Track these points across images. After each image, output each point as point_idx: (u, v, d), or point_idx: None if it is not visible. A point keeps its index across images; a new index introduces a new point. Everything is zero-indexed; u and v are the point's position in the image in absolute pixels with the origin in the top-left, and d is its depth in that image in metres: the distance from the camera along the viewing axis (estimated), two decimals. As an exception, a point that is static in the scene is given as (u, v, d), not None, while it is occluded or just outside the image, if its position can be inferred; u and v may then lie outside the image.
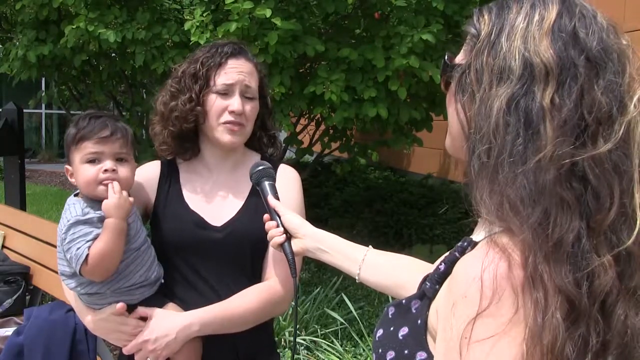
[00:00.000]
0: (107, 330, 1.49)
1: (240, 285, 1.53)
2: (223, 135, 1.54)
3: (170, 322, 1.45)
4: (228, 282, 1.54)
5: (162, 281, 1.56)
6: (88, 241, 1.39)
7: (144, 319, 1.47)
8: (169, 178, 1.62)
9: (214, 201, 1.59)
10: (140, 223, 1.52)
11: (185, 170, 1.64)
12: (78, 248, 1.38)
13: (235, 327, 1.50)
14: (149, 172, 1.64)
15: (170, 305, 1.51)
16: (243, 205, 1.58)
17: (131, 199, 1.46)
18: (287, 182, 1.60)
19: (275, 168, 1.60)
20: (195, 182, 1.62)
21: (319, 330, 3.68)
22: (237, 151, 1.61)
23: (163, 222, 1.58)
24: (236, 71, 1.55)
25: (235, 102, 1.53)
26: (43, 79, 9.13)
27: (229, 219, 1.56)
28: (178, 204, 1.58)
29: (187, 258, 1.55)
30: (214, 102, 1.53)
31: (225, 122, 1.53)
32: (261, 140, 1.66)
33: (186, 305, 1.51)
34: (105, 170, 1.44)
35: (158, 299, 1.51)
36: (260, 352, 1.60)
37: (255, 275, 1.57)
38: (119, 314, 1.46)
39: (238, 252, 1.55)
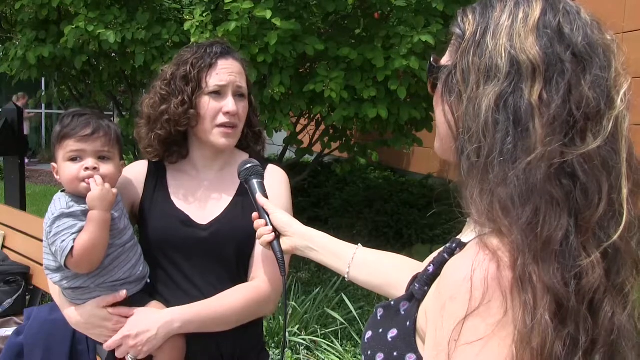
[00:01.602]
0: (88, 326, 1.49)
1: (225, 285, 1.53)
2: (218, 138, 1.54)
3: (151, 318, 1.45)
4: (212, 281, 1.54)
5: (149, 280, 1.56)
6: (73, 234, 1.40)
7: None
8: (156, 176, 1.62)
9: (201, 200, 1.59)
10: (128, 221, 1.53)
11: (173, 169, 1.64)
12: (63, 241, 1.40)
13: (218, 327, 1.49)
14: (136, 171, 1.64)
15: (154, 303, 1.52)
16: (230, 204, 1.58)
17: (114, 190, 1.46)
18: (275, 183, 1.59)
19: (264, 167, 1.60)
20: (182, 181, 1.62)
21: (319, 330, 3.68)
22: (225, 152, 1.61)
23: (149, 219, 1.58)
24: (227, 72, 1.55)
25: (229, 103, 1.53)
26: (43, 79, 9.12)
27: (214, 217, 1.56)
28: (164, 202, 1.59)
29: (172, 256, 1.55)
30: (208, 104, 1.53)
31: (220, 125, 1.53)
32: (248, 137, 1.66)
33: (170, 304, 1.51)
34: (87, 169, 1.45)
35: (142, 297, 1.52)
36: (248, 352, 1.60)
37: (240, 275, 1.57)
38: (106, 305, 1.47)
39: (223, 251, 1.54)
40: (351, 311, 3.78)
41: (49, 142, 14.66)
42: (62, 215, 1.42)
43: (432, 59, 0.89)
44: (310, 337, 3.59)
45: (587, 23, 0.78)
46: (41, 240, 3.24)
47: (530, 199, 0.72)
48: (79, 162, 1.46)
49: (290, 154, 5.55)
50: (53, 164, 1.51)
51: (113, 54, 4.63)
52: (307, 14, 4.26)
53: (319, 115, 4.64)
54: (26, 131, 13.85)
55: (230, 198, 1.59)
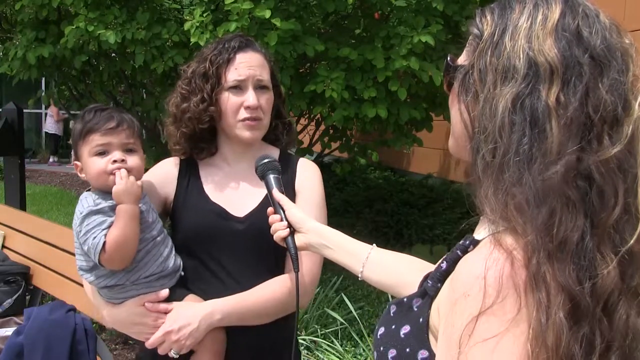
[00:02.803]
0: (128, 324, 1.48)
1: (262, 277, 1.52)
2: (242, 132, 1.54)
3: (192, 311, 1.44)
4: (250, 274, 1.53)
5: (182, 273, 1.55)
6: (103, 229, 1.40)
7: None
8: (189, 172, 1.63)
9: (235, 193, 1.59)
10: (156, 215, 1.53)
11: (204, 163, 1.64)
12: (94, 237, 1.39)
13: (256, 319, 1.49)
14: (168, 168, 1.64)
15: (191, 296, 1.51)
16: (265, 196, 1.55)
17: (139, 182, 1.46)
18: (309, 177, 1.60)
19: (295, 162, 1.61)
20: (214, 175, 1.62)
21: (319, 330, 3.68)
22: (255, 146, 1.61)
23: (184, 214, 1.58)
24: (246, 65, 1.54)
25: (250, 97, 1.52)
26: (43, 79, 9.13)
27: (251, 209, 1.56)
28: (199, 196, 1.58)
29: (209, 249, 1.55)
30: (228, 100, 1.53)
31: (243, 119, 1.53)
32: (277, 129, 1.66)
33: (208, 297, 1.50)
34: (115, 161, 1.45)
35: (178, 291, 1.51)
36: (284, 344, 1.57)
37: (277, 267, 1.56)
38: (152, 301, 1.46)
39: (260, 243, 1.53)
40: (351, 311, 3.77)
41: (49, 142, 14.70)
42: (91, 213, 1.42)
43: (449, 58, 0.89)
44: (310, 337, 3.59)
45: (605, 26, 0.79)
46: (41, 240, 3.27)
47: (546, 200, 0.72)
48: (106, 155, 1.46)
49: (290, 154, 5.56)
50: (76, 162, 1.51)
51: (113, 54, 4.64)
52: (307, 14, 4.26)
53: (319, 115, 4.65)
54: (59, 131, 14.04)
55: (266, 191, 1.59)
